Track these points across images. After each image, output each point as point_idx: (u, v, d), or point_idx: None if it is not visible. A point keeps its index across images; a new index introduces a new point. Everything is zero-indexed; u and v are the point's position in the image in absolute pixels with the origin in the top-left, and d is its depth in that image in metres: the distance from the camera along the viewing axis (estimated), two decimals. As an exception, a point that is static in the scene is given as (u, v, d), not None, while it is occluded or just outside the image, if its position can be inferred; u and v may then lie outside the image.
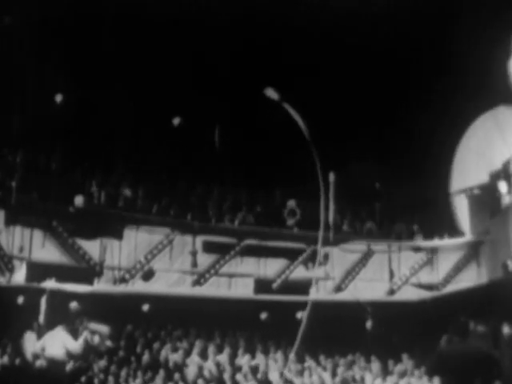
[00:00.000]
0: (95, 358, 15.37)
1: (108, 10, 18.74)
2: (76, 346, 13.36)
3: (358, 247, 19.61)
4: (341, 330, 17.83)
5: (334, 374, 17.12)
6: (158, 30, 19.58)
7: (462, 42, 18.90)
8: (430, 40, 20.52)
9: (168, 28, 19.78)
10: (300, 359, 17.55)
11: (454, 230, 19.97)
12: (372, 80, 20.73)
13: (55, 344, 13.48)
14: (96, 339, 14.03)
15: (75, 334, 13.82)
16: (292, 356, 16.68)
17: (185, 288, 18.13)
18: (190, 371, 16.16)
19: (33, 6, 17.73)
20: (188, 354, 16.88)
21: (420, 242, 19.98)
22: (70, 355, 13.32)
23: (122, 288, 17.47)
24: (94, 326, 13.87)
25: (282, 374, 16.56)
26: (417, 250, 19.70)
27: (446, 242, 19.69)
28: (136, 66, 19.33)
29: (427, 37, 20.44)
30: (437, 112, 20.40)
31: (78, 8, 18.42)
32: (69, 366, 14.01)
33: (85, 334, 13.53)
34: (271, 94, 11.82)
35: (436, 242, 19.76)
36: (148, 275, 17.61)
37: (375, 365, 17.57)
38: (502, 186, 18.55)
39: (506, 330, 16.64)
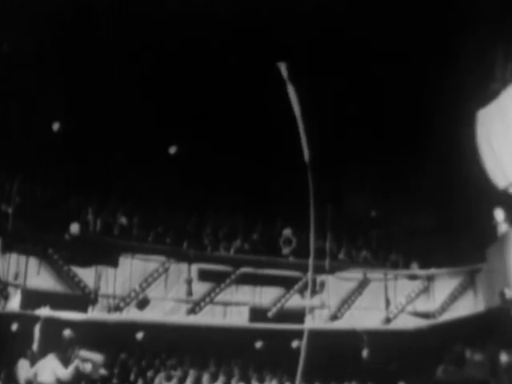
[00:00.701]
0: (88, 386, 15.26)
1: (105, 40, 18.90)
2: (66, 373, 13.30)
3: (354, 275, 19.58)
4: (337, 358, 17.75)
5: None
6: (153, 61, 19.78)
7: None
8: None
9: (163, 60, 19.98)
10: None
11: (450, 258, 19.93)
12: (368, 110, 20.87)
13: (46, 371, 13.45)
14: (88, 367, 13.97)
15: (67, 362, 13.79)
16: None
17: (180, 316, 18.07)
18: (184, 400, 16.10)
19: (31, 34, 17.90)
20: (182, 382, 16.77)
21: (416, 270, 19.95)
22: (60, 383, 13.28)
23: (116, 316, 17.40)
24: (85, 353, 13.83)
25: None
26: (413, 278, 19.67)
27: (442, 270, 19.64)
28: (132, 97, 19.46)
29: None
30: (431, 144, 20.47)
31: (75, 37, 18.60)
32: (61, 395, 13.97)
33: (76, 362, 13.50)
34: (282, 69, 11.74)
35: (432, 271, 19.73)
36: (143, 303, 17.57)
37: (371, 393, 17.48)
38: (499, 214, 18.57)
39: (503, 357, 16.59)
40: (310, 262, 13.50)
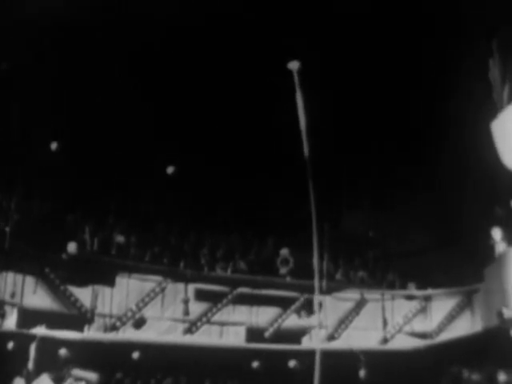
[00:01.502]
0: (84, 405, 15.18)
1: (103, 57, 19.03)
2: None
3: (351, 296, 19.55)
4: (334, 378, 17.62)
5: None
6: (151, 78, 19.89)
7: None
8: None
9: (160, 79, 20.10)
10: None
11: (447, 279, 19.92)
12: (366, 127, 20.95)
13: (39, 391, 13.47)
14: (82, 386, 13.98)
15: (61, 381, 13.77)
16: None
17: (176, 336, 18.00)
18: (180, 420, 15.98)
19: (29, 50, 18.03)
20: (178, 402, 16.71)
21: (413, 290, 19.92)
22: None
23: (112, 336, 17.33)
24: (79, 372, 13.82)
25: None
26: (410, 298, 19.63)
27: (440, 290, 19.61)
28: (130, 116, 19.58)
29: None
30: (429, 164, 20.56)
31: (73, 54, 18.73)
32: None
33: (69, 381, 13.49)
34: (293, 66, 11.73)
35: (429, 291, 19.70)
36: (139, 323, 17.51)
37: (369, 414, 17.37)
38: (496, 234, 18.57)
39: (501, 377, 16.53)
40: (316, 282, 13.56)
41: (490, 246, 18.52)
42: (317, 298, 17.70)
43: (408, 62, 20.21)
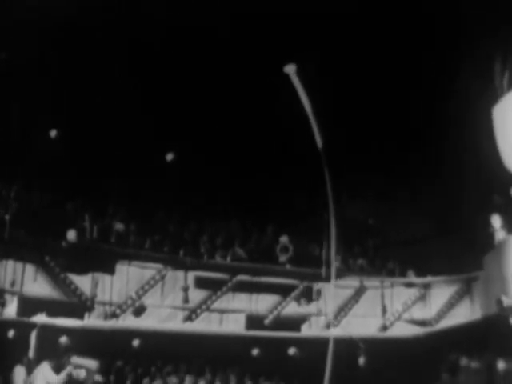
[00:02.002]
0: (84, 393, 15.25)
1: (104, 49, 18.99)
2: (57, 380, 13.35)
3: (351, 283, 19.57)
4: (333, 366, 17.70)
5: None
6: (151, 66, 19.84)
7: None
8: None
9: (161, 69, 20.04)
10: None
11: (446, 266, 19.94)
12: (369, 115, 20.91)
13: (39, 378, 13.49)
14: (82, 374, 13.98)
15: (61, 369, 13.80)
16: None
17: (176, 324, 18.06)
18: (181, 407, 16.08)
19: (29, 41, 17.98)
20: (178, 389, 16.81)
21: (412, 278, 19.96)
22: None
23: (112, 323, 17.38)
24: (78, 360, 13.83)
25: None
26: (409, 285, 19.66)
27: (439, 277, 19.65)
28: (129, 104, 19.53)
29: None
30: (428, 153, 20.53)
31: (73, 44, 18.68)
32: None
33: (68, 369, 13.52)
34: (290, 69, 11.74)
35: (429, 278, 19.73)
36: (139, 311, 17.52)
37: (368, 401, 17.46)
38: (496, 221, 18.56)
39: (500, 365, 16.57)
40: (333, 271, 13.58)
41: (489, 234, 18.53)
42: (320, 285, 17.85)
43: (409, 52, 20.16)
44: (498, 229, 18.40)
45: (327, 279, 19.00)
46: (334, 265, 12.12)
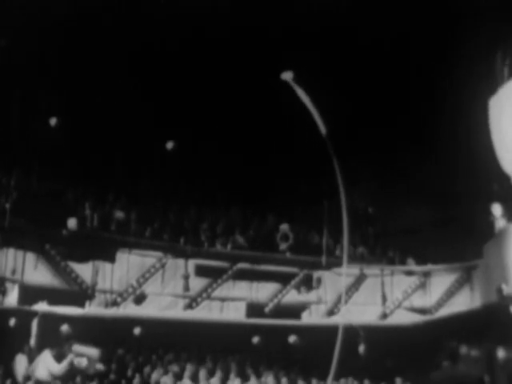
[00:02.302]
0: (85, 381, 15.28)
1: (105, 34, 18.89)
2: (59, 368, 13.39)
3: (351, 271, 19.58)
4: (333, 353, 17.78)
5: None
6: (153, 56, 19.74)
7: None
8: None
9: (162, 56, 19.94)
10: (292, 383, 17.52)
11: (447, 254, 19.97)
12: (368, 102, 20.85)
13: (41, 366, 13.52)
14: (83, 362, 14.02)
15: (62, 357, 13.83)
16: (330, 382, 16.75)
17: (177, 312, 18.08)
18: (181, 395, 16.13)
19: (28, 27, 17.89)
20: (179, 377, 16.79)
21: (412, 266, 19.99)
22: (54, 377, 13.34)
23: (113, 311, 17.41)
24: (79, 348, 13.87)
25: None
26: (409, 273, 19.70)
27: (439, 265, 19.68)
28: (130, 92, 19.46)
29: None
30: (429, 141, 20.48)
31: (73, 31, 18.58)
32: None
33: (69, 357, 13.55)
34: (287, 76, 11.76)
35: (429, 266, 19.76)
36: (140, 299, 17.56)
37: (368, 389, 17.55)
38: (496, 210, 18.56)
39: (500, 353, 16.65)
40: (345, 259, 13.57)
41: (489, 222, 18.55)
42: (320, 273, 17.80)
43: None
44: (499, 217, 18.44)
45: (329, 267, 19.17)
46: (346, 253, 12.11)
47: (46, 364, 13.50)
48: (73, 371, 13.90)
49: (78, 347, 13.99)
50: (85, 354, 14.21)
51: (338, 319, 18.98)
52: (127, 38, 18.98)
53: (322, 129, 11.82)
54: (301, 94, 11.40)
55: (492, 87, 18.03)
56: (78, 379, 14.56)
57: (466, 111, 18.85)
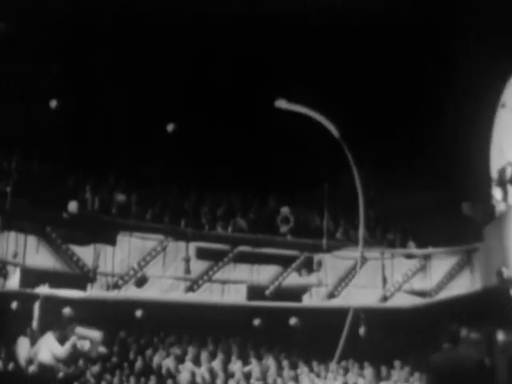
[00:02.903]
0: (88, 364, 15.37)
1: (107, 17, 18.79)
2: (62, 351, 13.47)
3: (351, 254, 19.63)
4: (334, 336, 17.91)
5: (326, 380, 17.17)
6: (156, 37, 19.61)
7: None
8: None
9: (165, 37, 19.82)
10: (293, 365, 17.61)
11: (447, 237, 20.00)
12: (371, 88, 20.78)
13: (43, 349, 13.58)
14: (86, 345, 14.11)
15: (65, 340, 13.90)
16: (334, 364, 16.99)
17: (178, 294, 18.12)
18: (183, 378, 16.18)
19: (29, 12, 17.78)
20: (181, 360, 16.90)
21: (413, 249, 20.02)
22: (57, 360, 13.41)
23: (115, 294, 17.46)
24: (82, 331, 13.94)
25: None
26: (410, 256, 19.73)
27: (439, 248, 19.71)
28: (131, 73, 19.39)
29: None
30: (429, 123, 20.44)
31: (76, 14, 18.46)
32: (61, 372, 14.08)
33: (72, 340, 13.61)
34: (283, 104, 11.87)
35: (429, 249, 19.79)
36: (141, 281, 17.62)
37: (368, 371, 17.60)
38: (497, 193, 18.58)
39: (500, 336, 16.68)
40: (360, 244, 13.60)
41: (490, 206, 18.57)
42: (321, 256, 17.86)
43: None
44: (499, 200, 18.46)
45: (330, 250, 19.23)
46: (362, 238, 12.18)
47: (50, 347, 13.59)
48: (76, 354, 13.98)
49: (80, 330, 14.07)
50: (87, 337, 14.31)
51: (339, 302, 19.17)
52: (128, 18, 18.87)
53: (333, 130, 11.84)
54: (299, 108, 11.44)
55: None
56: (81, 362, 14.66)
57: (469, 94, 18.87)
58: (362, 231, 12.41)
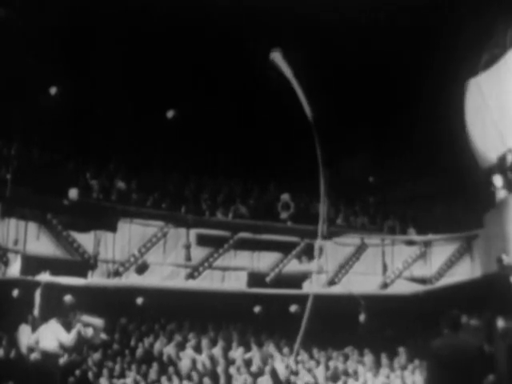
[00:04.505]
0: (89, 351, 15.41)
1: (107, 5, 18.70)
2: (68, 338, 13.45)
3: (352, 241, 19.64)
4: (334, 323, 17.92)
5: (327, 367, 17.21)
6: (156, 25, 19.52)
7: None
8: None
9: (165, 23, 19.73)
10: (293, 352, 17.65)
11: (447, 224, 20.02)
12: (369, 75, 20.73)
13: (48, 337, 13.56)
14: (89, 332, 14.11)
15: (68, 327, 13.89)
16: (297, 348, 16.87)
17: (178, 281, 18.09)
18: (184, 364, 16.20)
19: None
20: (182, 347, 16.91)
21: (413, 235, 20.03)
22: (63, 348, 13.41)
23: (115, 281, 17.43)
24: (87, 318, 13.93)
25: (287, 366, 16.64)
26: (410, 243, 19.74)
27: (440, 235, 19.72)
28: (131, 59, 19.32)
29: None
30: (430, 110, 20.42)
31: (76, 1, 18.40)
32: (63, 360, 14.09)
33: (77, 327, 13.61)
34: (276, 57, 11.73)
35: (429, 236, 19.80)
36: (142, 268, 17.59)
37: (368, 358, 17.65)
38: (497, 180, 18.56)
39: (500, 323, 16.72)
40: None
41: (490, 192, 18.56)
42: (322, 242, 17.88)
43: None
44: (499, 187, 18.44)
45: (330, 237, 19.20)
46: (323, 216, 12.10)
47: (56, 334, 13.53)
48: (80, 341, 13.99)
49: (84, 317, 14.06)
50: (90, 324, 14.31)
51: (339, 289, 19.19)
52: (129, 7, 18.78)
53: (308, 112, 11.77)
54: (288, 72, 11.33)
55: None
56: (84, 349, 14.70)
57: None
58: (322, 208, 12.29)
